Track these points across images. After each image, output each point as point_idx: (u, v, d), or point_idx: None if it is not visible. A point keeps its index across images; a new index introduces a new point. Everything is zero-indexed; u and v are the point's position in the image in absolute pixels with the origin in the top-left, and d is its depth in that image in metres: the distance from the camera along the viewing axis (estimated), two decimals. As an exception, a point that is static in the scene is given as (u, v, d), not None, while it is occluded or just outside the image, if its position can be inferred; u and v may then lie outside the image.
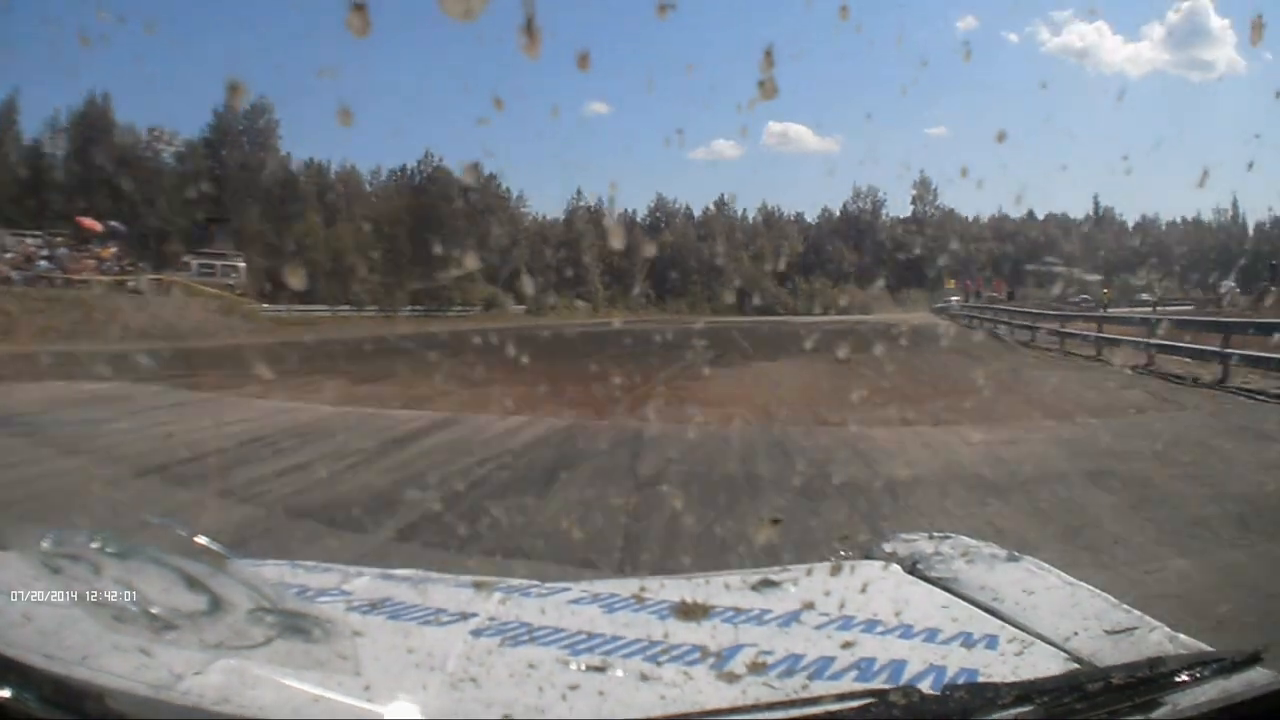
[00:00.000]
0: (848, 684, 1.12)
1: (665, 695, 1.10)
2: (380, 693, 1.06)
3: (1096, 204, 69.94)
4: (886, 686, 1.07)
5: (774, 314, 51.19)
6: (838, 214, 70.11)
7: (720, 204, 69.38)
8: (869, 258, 65.70)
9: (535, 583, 1.50)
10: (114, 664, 1.04)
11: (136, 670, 1.03)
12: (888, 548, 1.71)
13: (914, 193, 70.55)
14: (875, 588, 1.49)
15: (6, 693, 0.90)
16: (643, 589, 1.43)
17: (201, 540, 1.09)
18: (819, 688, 1.11)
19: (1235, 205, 65.43)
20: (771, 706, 1.06)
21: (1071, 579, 1.52)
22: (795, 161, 79.96)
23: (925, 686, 1.07)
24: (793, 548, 4.37)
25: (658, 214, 68.49)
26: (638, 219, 66.45)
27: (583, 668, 1.17)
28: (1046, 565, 1.59)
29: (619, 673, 1.16)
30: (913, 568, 1.60)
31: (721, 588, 1.49)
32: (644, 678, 1.14)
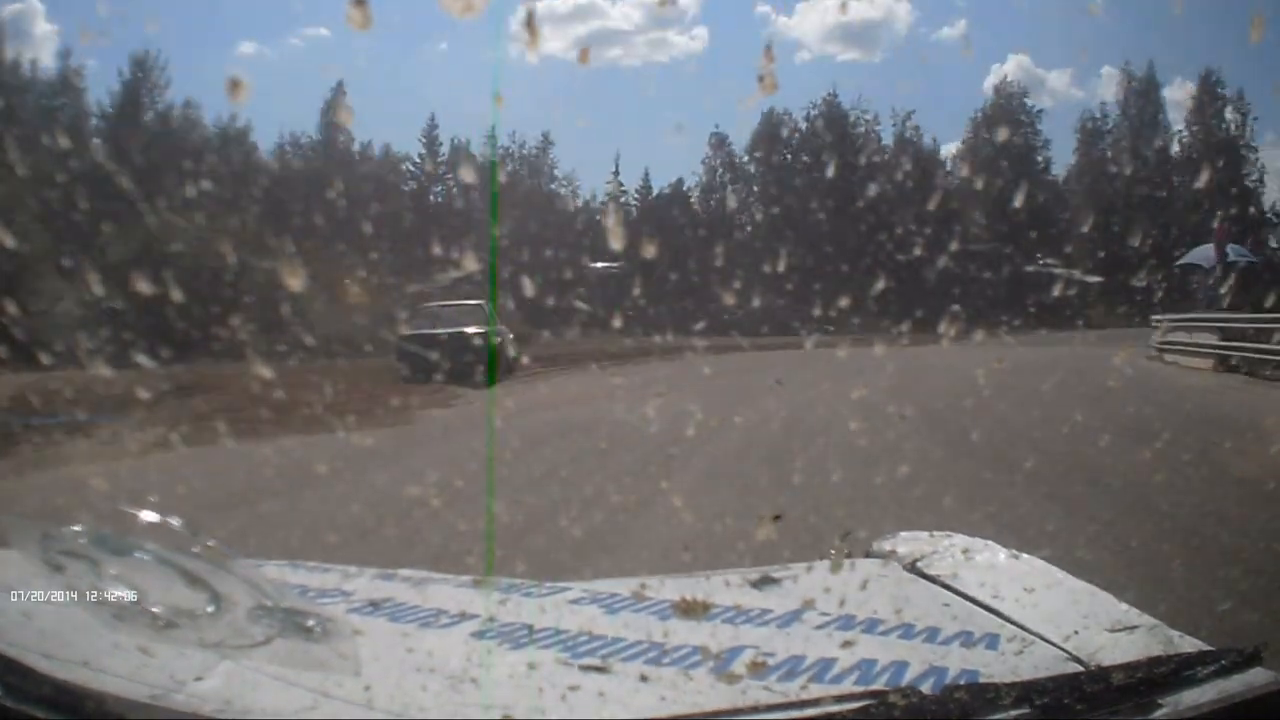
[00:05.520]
0: (849, 686, 1.12)
1: (665, 696, 1.10)
2: (380, 693, 1.06)
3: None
4: (886, 688, 1.07)
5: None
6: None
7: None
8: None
9: (535, 583, 1.50)
10: (115, 666, 1.03)
11: (137, 672, 1.03)
12: (887, 545, 1.70)
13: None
14: (875, 585, 1.49)
15: (6, 695, 0.90)
16: (643, 587, 1.43)
17: (203, 539, 1.09)
18: (819, 690, 1.11)
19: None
20: (771, 708, 1.06)
21: (1072, 577, 1.51)
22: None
23: (926, 688, 1.07)
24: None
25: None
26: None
27: (582, 668, 1.17)
28: (1047, 563, 1.59)
29: (619, 674, 1.16)
30: (913, 565, 1.59)
31: (721, 585, 1.49)
32: (644, 679, 1.14)
